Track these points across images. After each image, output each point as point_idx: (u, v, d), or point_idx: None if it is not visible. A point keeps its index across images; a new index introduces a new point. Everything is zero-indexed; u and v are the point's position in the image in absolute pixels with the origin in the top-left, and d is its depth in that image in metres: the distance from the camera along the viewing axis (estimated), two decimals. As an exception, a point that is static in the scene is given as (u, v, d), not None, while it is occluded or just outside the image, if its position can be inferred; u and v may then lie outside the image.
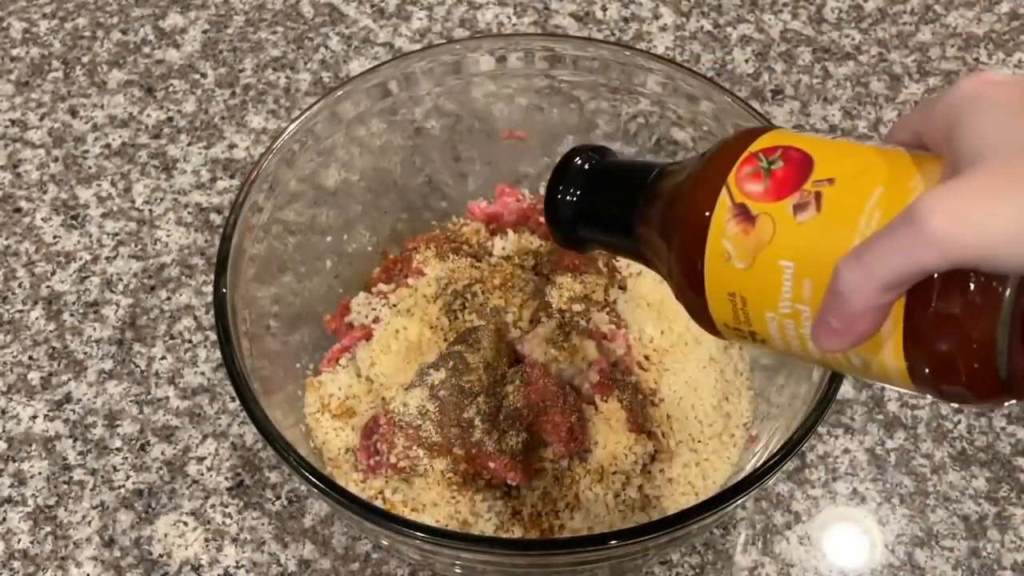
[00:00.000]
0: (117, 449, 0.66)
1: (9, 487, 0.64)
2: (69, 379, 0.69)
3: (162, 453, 0.65)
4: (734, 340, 0.42)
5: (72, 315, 0.71)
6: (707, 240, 0.39)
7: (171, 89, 0.83)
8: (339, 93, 0.62)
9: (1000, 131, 0.33)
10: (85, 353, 0.70)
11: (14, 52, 0.86)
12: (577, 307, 0.61)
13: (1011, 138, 0.32)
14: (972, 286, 0.34)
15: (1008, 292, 0.34)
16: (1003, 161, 0.31)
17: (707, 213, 0.39)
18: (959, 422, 0.66)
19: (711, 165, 0.40)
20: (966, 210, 0.31)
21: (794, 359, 0.41)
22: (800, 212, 0.37)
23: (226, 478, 0.64)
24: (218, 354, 0.63)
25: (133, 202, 0.77)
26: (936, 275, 0.33)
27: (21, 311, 0.72)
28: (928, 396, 0.38)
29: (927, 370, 0.36)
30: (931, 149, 0.37)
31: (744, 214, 0.38)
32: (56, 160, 0.79)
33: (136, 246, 0.74)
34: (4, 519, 0.63)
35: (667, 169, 0.44)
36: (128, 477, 0.65)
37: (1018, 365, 0.35)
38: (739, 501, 0.48)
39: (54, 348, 0.70)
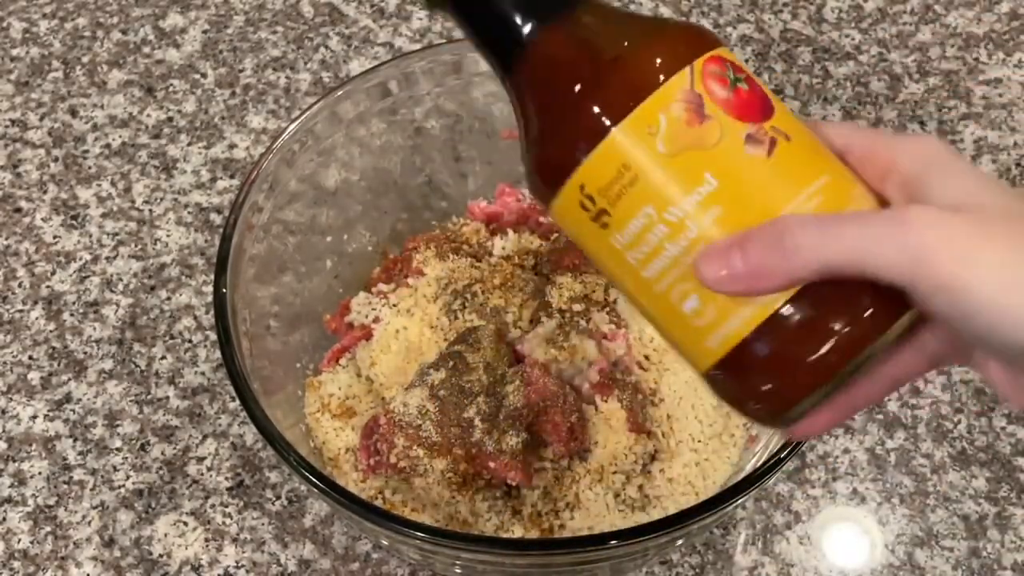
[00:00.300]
0: (117, 449, 0.66)
1: (9, 487, 0.64)
2: (69, 379, 0.69)
3: (162, 453, 0.65)
4: (563, 215, 0.39)
5: (72, 315, 0.71)
6: (639, 102, 0.36)
7: (171, 89, 0.83)
8: (339, 93, 0.62)
9: (988, 193, 0.33)
10: (85, 353, 0.70)
11: (14, 52, 0.86)
12: (577, 307, 0.61)
13: (1001, 202, 0.33)
14: (861, 315, 0.35)
15: (875, 341, 0.35)
16: (1002, 218, 0.32)
17: (660, 78, 0.37)
18: (959, 422, 0.66)
19: (677, 36, 0.38)
20: (963, 243, 0.31)
21: (609, 266, 0.39)
22: (751, 145, 0.36)
23: (226, 478, 0.64)
24: (218, 354, 0.63)
25: (133, 202, 0.77)
26: (827, 291, 0.34)
27: (21, 311, 0.72)
28: (714, 386, 0.39)
29: (754, 363, 0.36)
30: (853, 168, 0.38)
31: (697, 107, 0.36)
32: (56, 160, 0.79)
33: (136, 246, 0.74)
34: (4, 519, 0.63)
35: (596, 4, 0.40)
36: (128, 477, 0.65)
37: (807, 411, 0.38)
38: (739, 501, 0.48)
39: (54, 348, 0.70)
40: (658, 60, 0.37)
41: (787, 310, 0.35)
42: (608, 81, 0.37)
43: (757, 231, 0.34)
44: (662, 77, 0.37)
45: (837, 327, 0.35)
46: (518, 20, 0.39)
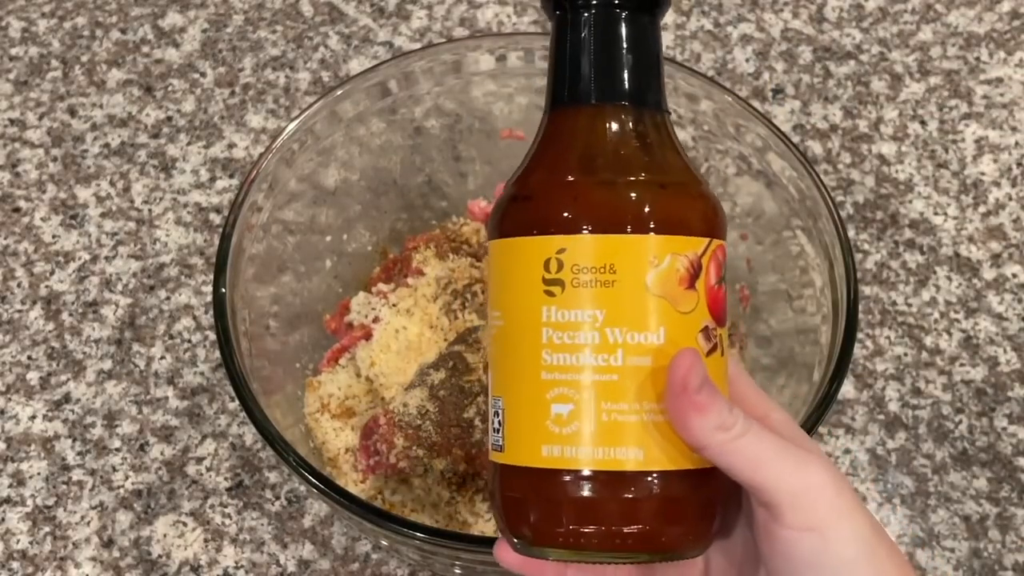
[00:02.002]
0: (116, 449, 0.66)
1: (8, 487, 0.64)
2: (68, 379, 0.68)
3: (161, 453, 0.65)
4: (511, 251, 0.39)
5: (71, 315, 0.71)
6: (664, 233, 0.37)
7: (170, 88, 0.83)
8: (339, 92, 0.61)
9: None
10: (84, 353, 0.69)
11: (13, 51, 0.86)
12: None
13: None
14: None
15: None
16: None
17: (691, 229, 0.38)
18: (960, 422, 0.66)
19: (718, 209, 0.40)
20: (842, 504, 0.36)
21: (513, 319, 0.39)
22: (703, 336, 0.38)
23: (225, 478, 0.64)
24: (217, 354, 0.63)
25: (132, 202, 0.77)
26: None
27: (20, 311, 0.72)
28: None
29: (565, 491, 0.37)
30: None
31: (694, 275, 0.38)
32: (55, 160, 0.79)
33: (135, 246, 0.74)
34: (3, 519, 0.63)
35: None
36: (127, 477, 0.64)
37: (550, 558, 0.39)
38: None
39: (53, 348, 0.70)
40: (700, 213, 0.39)
41: (628, 475, 0.36)
42: (657, 195, 0.38)
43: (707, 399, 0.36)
44: (692, 230, 0.38)
45: (624, 525, 0.37)
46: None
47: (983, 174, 0.78)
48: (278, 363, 0.60)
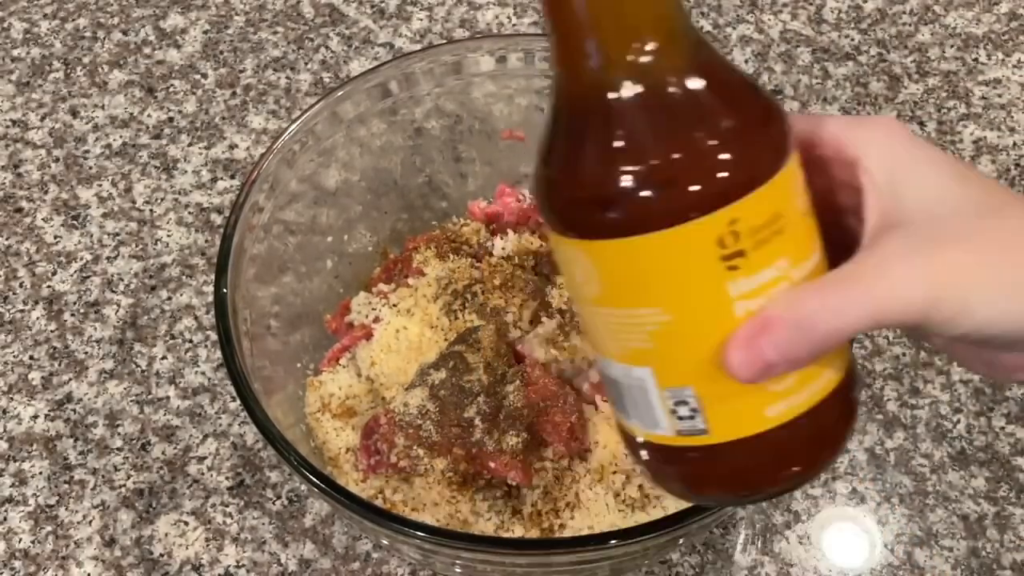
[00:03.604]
0: (118, 449, 0.66)
1: (10, 487, 0.64)
2: (70, 379, 0.69)
3: (163, 453, 0.66)
4: (654, 248, 0.34)
5: (73, 315, 0.71)
6: (791, 152, 0.35)
7: (172, 89, 0.83)
8: (339, 93, 0.62)
9: (954, 193, 0.36)
10: (86, 353, 0.70)
11: (15, 52, 0.86)
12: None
13: (966, 201, 0.36)
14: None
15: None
16: (968, 228, 0.35)
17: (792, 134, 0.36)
18: (958, 422, 0.66)
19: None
20: (949, 277, 0.34)
21: (693, 308, 0.35)
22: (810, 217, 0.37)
23: (226, 478, 0.65)
24: (218, 354, 0.63)
25: (134, 202, 0.77)
26: None
27: (22, 311, 0.72)
28: (634, 457, 0.40)
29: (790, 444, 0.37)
30: (821, 155, 0.38)
31: (805, 179, 0.37)
32: (57, 160, 0.79)
33: (137, 246, 0.75)
34: (5, 519, 0.63)
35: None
36: (129, 477, 0.65)
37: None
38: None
39: (55, 348, 0.70)
40: (786, 118, 0.36)
41: (835, 395, 0.37)
42: (771, 118, 0.35)
43: (779, 319, 0.34)
44: (792, 137, 0.36)
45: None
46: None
47: (981, 175, 0.78)
48: (279, 363, 0.60)
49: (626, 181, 0.33)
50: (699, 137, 0.33)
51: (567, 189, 0.35)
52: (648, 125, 0.34)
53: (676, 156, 0.33)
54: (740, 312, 0.34)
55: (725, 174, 0.33)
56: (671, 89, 0.34)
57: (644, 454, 0.39)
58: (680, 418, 0.36)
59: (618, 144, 0.34)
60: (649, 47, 0.34)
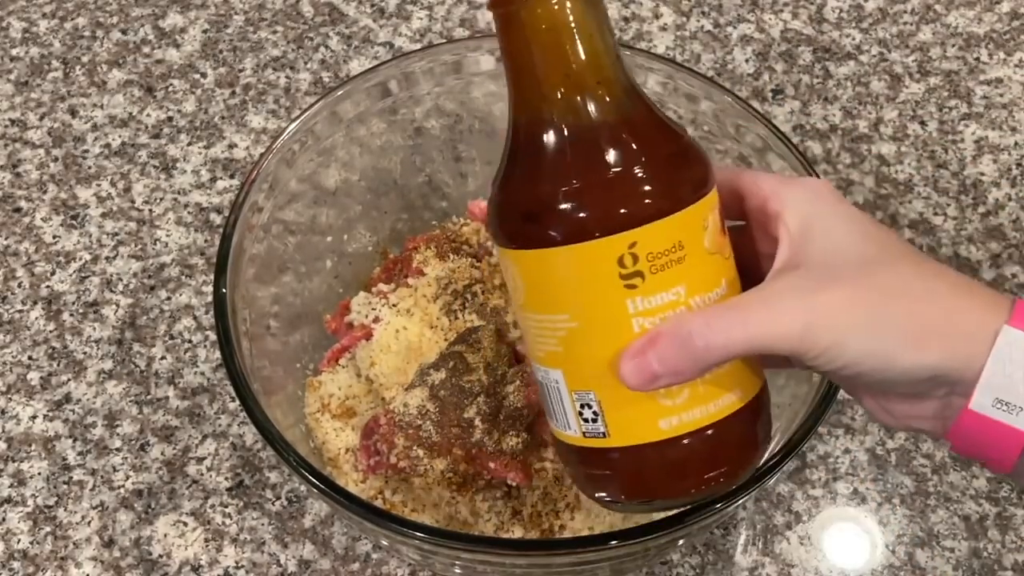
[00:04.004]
0: (117, 449, 0.66)
1: (9, 487, 0.64)
2: (69, 379, 0.68)
3: (162, 453, 0.65)
4: (566, 260, 0.39)
5: (72, 315, 0.71)
6: (706, 192, 0.40)
7: (171, 89, 0.83)
8: (339, 93, 0.61)
9: (852, 248, 0.39)
10: (85, 353, 0.70)
11: (14, 52, 0.86)
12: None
13: (857, 254, 0.39)
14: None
15: None
16: (854, 276, 0.39)
17: (713, 182, 0.41)
18: (960, 422, 0.66)
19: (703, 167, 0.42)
20: (829, 315, 0.38)
21: (596, 317, 0.40)
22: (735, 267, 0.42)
23: (226, 478, 0.64)
24: (218, 354, 0.63)
25: (133, 202, 0.77)
26: None
27: (21, 311, 0.72)
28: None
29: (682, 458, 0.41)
30: (741, 217, 0.44)
31: (723, 221, 0.41)
32: (56, 160, 0.79)
33: (136, 246, 0.74)
34: (4, 519, 0.63)
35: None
36: (128, 477, 0.65)
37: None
38: (740, 501, 0.48)
39: (54, 348, 0.70)
40: (707, 163, 0.41)
41: (734, 420, 0.41)
42: (687, 161, 0.40)
43: (666, 334, 0.38)
44: (711, 180, 0.41)
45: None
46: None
47: (983, 174, 0.78)
48: (279, 363, 0.60)
49: (542, 199, 0.39)
50: (605, 170, 0.38)
51: (501, 204, 0.41)
52: (566, 155, 0.39)
53: (584, 183, 0.38)
54: (636, 328, 0.39)
55: (625, 203, 0.38)
56: (588, 127, 0.39)
57: (561, 454, 0.44)
58: (585, 420, 0.41)
59: (540, 168, 0.40)
60: (574, 91, 0.39)
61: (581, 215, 0.38)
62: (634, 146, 0.39)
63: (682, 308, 0.39)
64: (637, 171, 0.38)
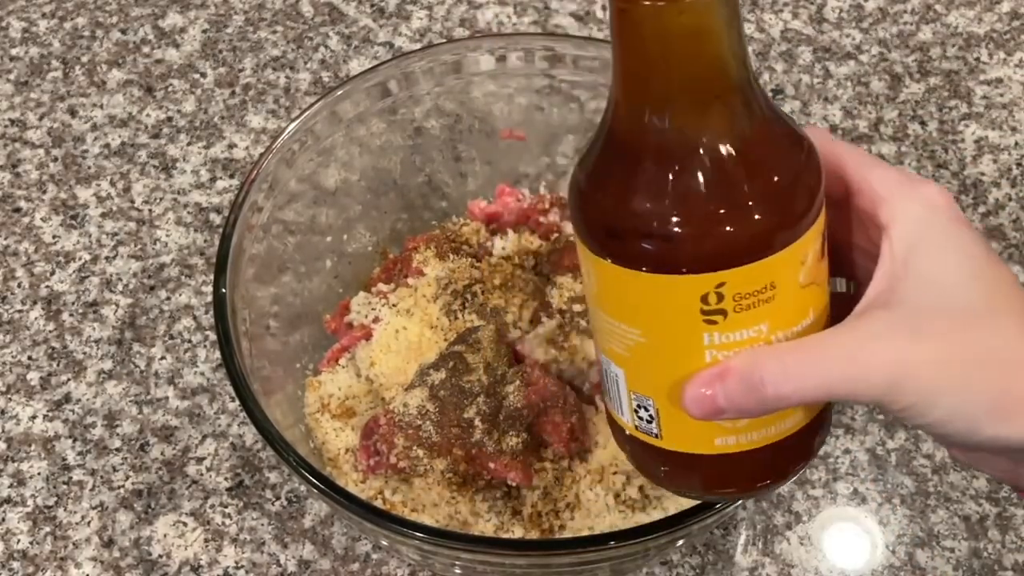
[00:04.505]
0: (116, 449, 0.66)
1: (8, 487, 0.64)
2: (68, 379, 0.68)
3: (161, 453, 0.65)
4: (651, 290, 0.36)
5: (71, 315, 0.71)
6: (807, 229, 0.36)
7: (170, 89, 0.83)
8: (339, 93, 0.61)
9: (962, 291, 0.37)
10: (84, 353, 0.69)
11: (13, 52, 0.86)
12: (577, 307, 0.61)
13: (967, 302, 0.36)
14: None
15: None
16: (958, 330, 0.36)
17: (821, 210, 0.37)
18: (960, 422, 0.66)
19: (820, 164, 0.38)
20: (921, 373, 0.35)
21: (668, 348, 0.38)
22: (831, 286, 0.40)
23: (226, 478, 0.64)
24: (218, 354, 0.63)
25: (132, 202, 0.77)
26: None
27: (20, 311, 0.72)
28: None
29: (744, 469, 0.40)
30: (844, 204, 0.40)
31: (824, 245, 0.38)
32: (55, 160, 0.79)
33: (135, 246, 0.74)
34: (3, 519, 0.63)
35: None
36: (127, 477, 0.65)
37: None
38: (740, 501, 0.48)
39: (53, 348, 0.70)
40: (819, 183, 0.37)
41: (790, 441, 0.40)
42: (796, 197, 0.36)
43: (736, 372, 0.37)
44: (819, 207, 0.37)
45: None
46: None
47: (983, 174, 0.78)
48: (278, 363, 0.60)
49: (630, 219, 0.36)
50: (703, 205, 0.35)
51: (585, 202, 0.38)
52: (665, 175, 0.35)
53: (679, 213, 0.35)
54: (708, 358, 0.37)
55: (718, 243, 0.35)
56: (695, 154, 0.35)
57: (612, 429, 0.44)
58: (640, 418, 0.40)
59: (634, 179, 0.36)
60: (689, 104, 0.35)
61: (669, 249, 0.35)
62: (739, 179, 0.35)
63: (761, 344, 0.37)
64: (735, 210, 0.35)
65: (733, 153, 0.35)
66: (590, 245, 0.38)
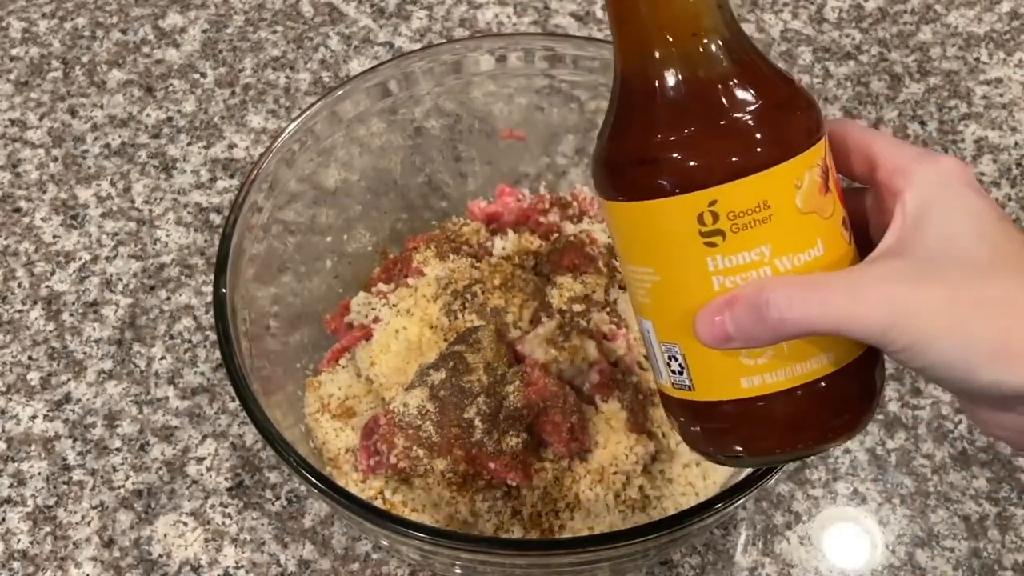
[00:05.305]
0: (117, 449, 0.66)
1: (9, 487, 0.64)
2: (69, 379, 0.68)
3: (162, 453, 0.65)
4: (650, 214, 0.39)
5: (71, 315, 0.71)
6: (800, 151, 0.38)
7: (171, 89, 0.83)
8: (339, 93, 0.61)
9: (973, 243, 0.37)
10: (84, 353, 0.70)
11: (13, 52, 0.86)
12: (577, 307, 0.61)
13: (976, 255, 0.37)
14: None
15: None
16: (960, 280, 0.37)
17: (816, 136, 0.39)
18: (960, 422, 0.66)
19: (814, 102, 0.40)
20: (925, 316, 0.36)
21: (676, 274, 0.39)
22: (845, 229, 0.40)
23: (226, 478, 0.64)
24: (218, 354, 0.63)
25: (133, 202, 0.77)
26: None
27: (20, 311, 0.72)
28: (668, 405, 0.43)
29: (774, 413, 0.40)
30: (868, 183, 0.41)
31: (825, 177, 0.39)
32: (56, 160, 0.79)
33: (136, 246, 0.74)
34: (3, 519, 0.63)
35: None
36: (128, 477, 0.65)
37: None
38: (740, 501, 0.48)
39: (53, 348, 0.70)
40: (815, 116, 0.39)
41: (821, 386, 0.39)
42: (783, 117, 0.38)
43: (743, 298, 0.37)
44: (814, 136, 0.39)
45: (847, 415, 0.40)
46: None
47: (983, 174, 0.78)
48: (278, 363, 0.60)
49: (622, 155, 0.39)
50: (680, 128, 0.37)
51: (596, 157, 0.41)
52: (650, 111, 0.39)
53: (659, 140, 0.38)
54: (717, 286, 0.38)
55: (700, 161, 0.37)
56: (675, 84, 0.38)
57: (661, 399, 0.44)
58: (673, 372, 0.41)
59: (624, 126, 0.39)
60: (660, 46, 0.38)
61: (655, 173, 0.38)
62: (714, 102, 0.38)
63: (766, 268, 0.38)
64: (714, 129, 0.37)
65: (712, 80, 0.38)
66: (601, 191, 0.41)
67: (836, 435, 0.40)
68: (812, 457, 0.42)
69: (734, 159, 0.37)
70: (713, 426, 0.41)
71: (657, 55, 0.38)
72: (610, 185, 0.40)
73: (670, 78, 0.38)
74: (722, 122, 0.37)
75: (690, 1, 0.38)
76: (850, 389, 0.40)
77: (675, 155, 0.37)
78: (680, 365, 0.40)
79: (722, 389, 0.40)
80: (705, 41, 0.38)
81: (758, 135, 0.37)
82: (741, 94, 0.38)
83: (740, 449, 0.41)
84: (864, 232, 0.42)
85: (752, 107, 0.38)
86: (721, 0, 0.39)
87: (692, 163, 0.37)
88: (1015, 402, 0.37)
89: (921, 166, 0.39)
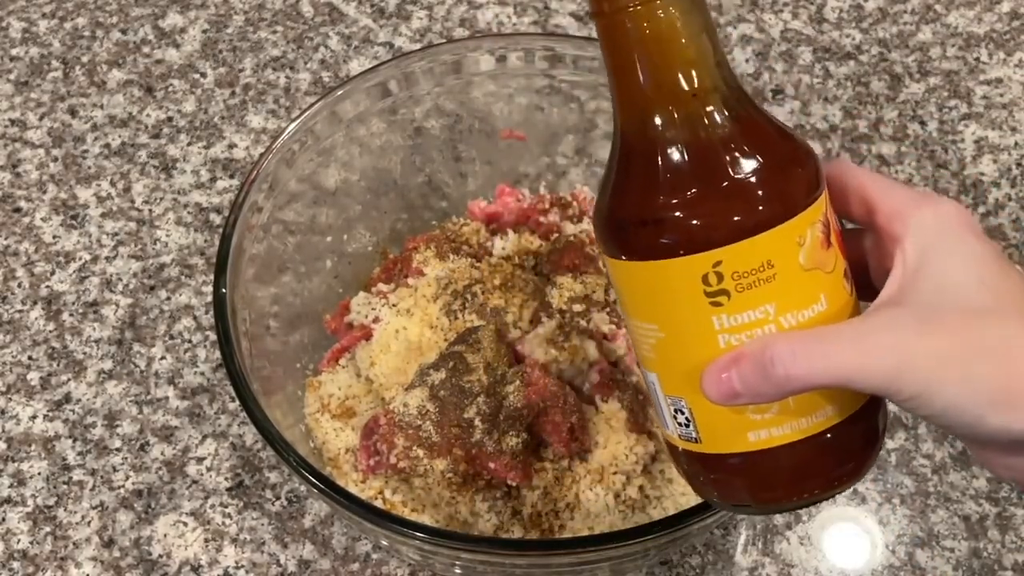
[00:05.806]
0: (117, 449, 0.66)
1: (8, 487, 0.64)
2: (68, 379, 0.68)
3: (162, 453, 0.65)
4: (657, 274, 0.39)
5: (71, 315, 0.71)
6: (801, 209, 0.38)
7: (171, 89, 0.83)
8: (339, 93, 0.61)
9: (974, 291, 0.38)
10: (84, 353, 0.70)
11: (13, 52, 0.86)
12: (577, 307, 0.61)
13: (978, 302, 0.37)
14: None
15: None
16: (962, 326, 0.37)
17: (817, 192, 0.39)
18: (960, 422, 0.66)
19: (815, 155, 0.40)
20: (928, 364, 0.36)
21: (683, 335, 0.39)
22: (847, 281, 0.40)
23: (226, 478, 0.64)
24: (218, 354, 0.63)
25: (133, 202, 0.77)
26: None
27: (20, 311, 0.72)
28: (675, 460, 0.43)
29: (781, 467, 0.40)
30: (867, 227, 0.41)
31: (827, 232, 0.39)
32: (56, 160, 0.79)
33: (136, 246, 0.74)
34: (3, 519, 0.63)
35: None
36: (128, 477, 0.65)
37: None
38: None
39: (53, 348, 0.70)
40: (814, 171, 0.39)
41: (827, 437, 0.39)
42: (784, 176, 0.38)
43: (749, 355, 0.37)
44: (815, 192, 0.39)
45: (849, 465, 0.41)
46: None
47: (983, 174, 0.78)
48: (278, 363, 0.60)
49: (625, 215, 0.39)
50: (684, 190, 0.37)
51: (599, 211, 0.41)
52: (648, 174, 0.39)
53: (663, 202, 0.38)
54: (723, 344, 0.38)
55: (705, 223, 0.37)
56: (677, 144, 0.38)
57: (667, 449, 0.44)
58: (679, 424, 0.41)
59: (626, 185, 0.39)
60: (660, 107, 0.38)
61: (659, 233, 0.38)
62: (716, 164, 0.38)
63: (771, 326, 0.38)
64: (717, 192, 0.37)
65: (713, 140, 0.38)
66: (604, 248, 0.41)
67: (842, 483, 0.41)
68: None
69: (738, 220, 0.37)
70: (720, 477, 0.41)
71: (657, 116, 0.38)
72: (613, 243, 0.40)
73: (671, 139, 0.38)
74: (725, 184, 0.37)
75: (689, 61, 0.38)
76: (855, 438, 0.40)
77: (679, 216, 0.37)
78: (686, 418, 0.41)
79: (729, 442, 0.40)
80: (705, 101, 0.38)
81: (761, 195, 0.37)
82: (743, 154, 0.38)
83: (747, 499, 0.41)
84: (864, 274, 0.43)
85: (755, 167, 0.38)
86: (720, 58, 0.39)
87: (696, 225, 0.37)
88: (1022, 447, 0.37)
89: (919, 210, 0.39)
